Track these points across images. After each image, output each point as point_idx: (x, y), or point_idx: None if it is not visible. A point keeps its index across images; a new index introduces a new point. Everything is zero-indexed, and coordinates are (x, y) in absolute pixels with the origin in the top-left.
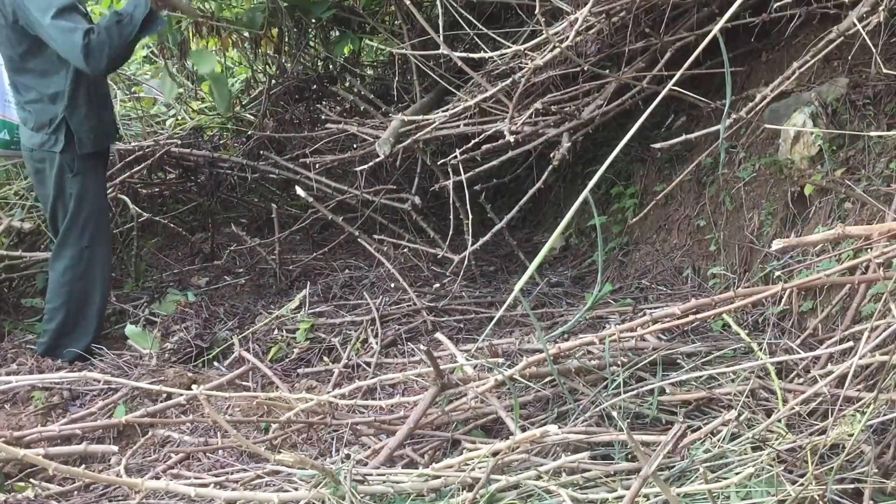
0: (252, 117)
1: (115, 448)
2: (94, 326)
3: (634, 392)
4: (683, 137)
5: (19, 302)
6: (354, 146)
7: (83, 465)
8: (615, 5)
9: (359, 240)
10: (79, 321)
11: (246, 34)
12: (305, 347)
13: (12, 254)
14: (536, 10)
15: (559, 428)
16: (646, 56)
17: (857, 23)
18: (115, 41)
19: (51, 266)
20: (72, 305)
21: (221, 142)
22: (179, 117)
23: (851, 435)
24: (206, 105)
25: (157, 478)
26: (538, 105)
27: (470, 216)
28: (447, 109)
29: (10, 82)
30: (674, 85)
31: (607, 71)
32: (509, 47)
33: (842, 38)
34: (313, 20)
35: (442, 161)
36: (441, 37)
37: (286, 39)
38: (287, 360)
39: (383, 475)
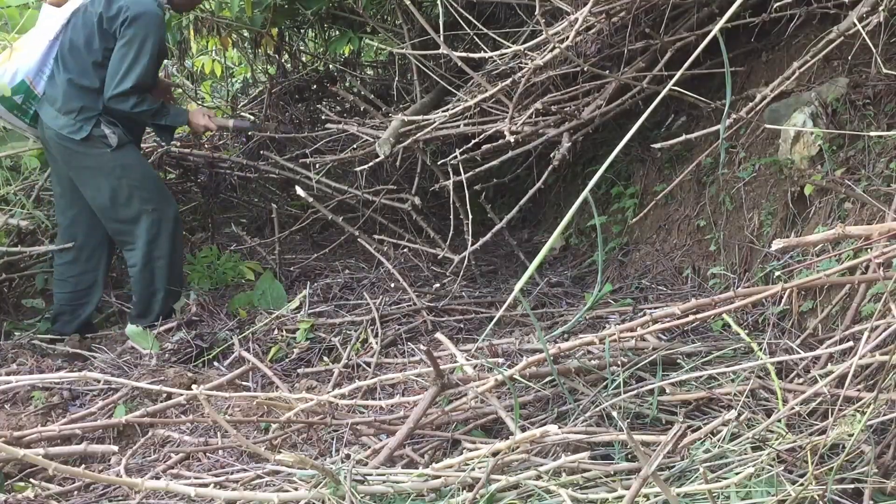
0: (252, 116)
1: (115, 448)
2: (176, 284)
3: (634, 392)
4: (683, 137)
5: (19, 302)
6: (354, 146)
7: (83, 465)
8: (615, 5)
9: (359, 240)
10: (169, 279)
11: (245, 34)
12: (305, 347)
13: (11, 249)
14: (536, 11)
15: (559, 428)
16: (646, 56)
17: (857, 23)
18: (145, 110)
19: (127, 241)
20: (160, 262)
21: (221, 142)
22: None
23: (851, 435)
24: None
25: (157, 478)
26: (538, 105)
27: (470, 216)
28: (447, 109)
29: (61, 57)
30: (674, 85)
31: (607, 71)
32: (509, 47)
33: (842, 38)
34: (312, 17)
35: (442, 161)
36: (441, 37)
37: (286, 39)
38: (287, 360)
39: (383, 475)
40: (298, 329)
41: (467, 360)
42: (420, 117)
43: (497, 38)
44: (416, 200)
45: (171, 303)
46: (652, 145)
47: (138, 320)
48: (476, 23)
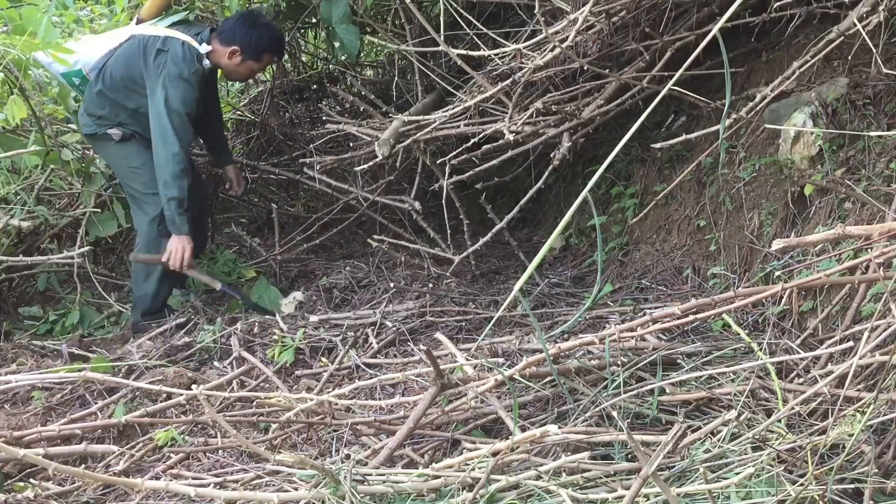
0: (252, 116)
1: (115, 448)
2: (157, 286)
3: (634, 392)
4: (683, 137)
5: (20, 302)
6: (351, 144)
7: (83, 465)
8: (615, 5)
9: (368, 241)
10: (153, 276)
11: None
12: (305, 348)
13: (13, 259)
14: (536, 10)
15: (559, 428)
16: (646, 56)
17: (857, 23)
18: (182, 167)
19: (135, 223)
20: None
21: None
22: None
23: (851, 435)
24: None
25: (157, 478)
26: (538, 105)
27: (467, 217)
28: (447, 110)
29: (105, 67)
30: (674, 85)
31: (607, 71)
32: (509, 47)
33: (842, 38)
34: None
35: (441, 160)
36: (441, 36)
37: (286, 39)
38: (287, 360)
39: (383, 475)
40: (298, 329)
41: (467, 360)
42: (420, 117)
43: (497, 37)
44: (417, 206)
45: (168, 287)
46: (652, 145)
47: (138, 305)
48: (476, 23)
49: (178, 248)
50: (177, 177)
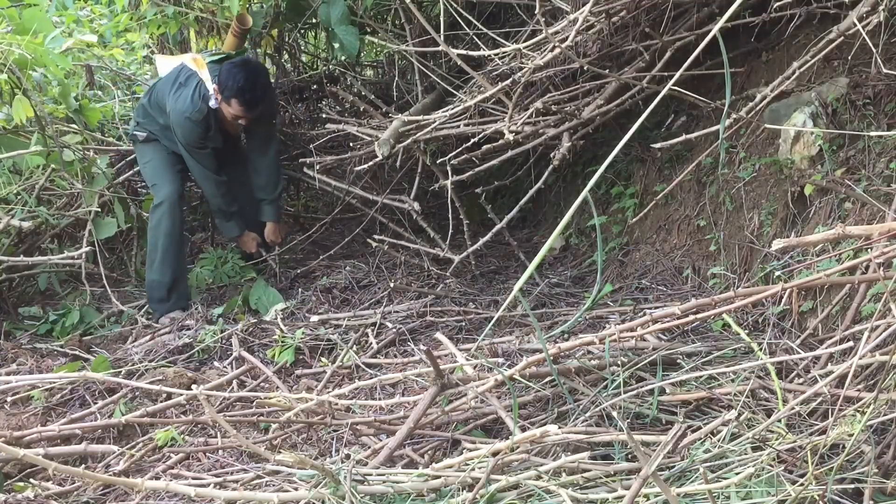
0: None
1: (115, 448)
2: (159, 272)
3: (634, 392)
4: (683, 137)
5: (19, 303)
6: (351, 144)
7: (83, 465)
8: (615, 5)
9: (371, 241)
10: (155, 263)
11: None
12: (305, 348)
13: (14, 259)
14: (537, 10)
15: (559, 428)
16: (646, 56)
17: (857, 23)
18: (210, 189)
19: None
20: (158, 231)
21: None
22: None
23: (851, 435)
24: None
25: (157, 478)
26: (538, 105)
27: (466, 217)
28: (447, 110)
29: (154, 85)
30: (674, 85)
31: (607, 71)
32: (509, 47)
33: (842, 38)
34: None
35: (441, 160)
36: (441, 36)
37: (286, 39)
38: (287, 359)
39: (383, 475)
40: (298, 329)
41: (467, 360)
42: (420, 117)
43: (497, 37)
44: (416, 206)
45: (170, 276)
46: (652, 145)
47: (151, 291)
48: (476, 23)
49: (244, 245)
50: (213, 194)
